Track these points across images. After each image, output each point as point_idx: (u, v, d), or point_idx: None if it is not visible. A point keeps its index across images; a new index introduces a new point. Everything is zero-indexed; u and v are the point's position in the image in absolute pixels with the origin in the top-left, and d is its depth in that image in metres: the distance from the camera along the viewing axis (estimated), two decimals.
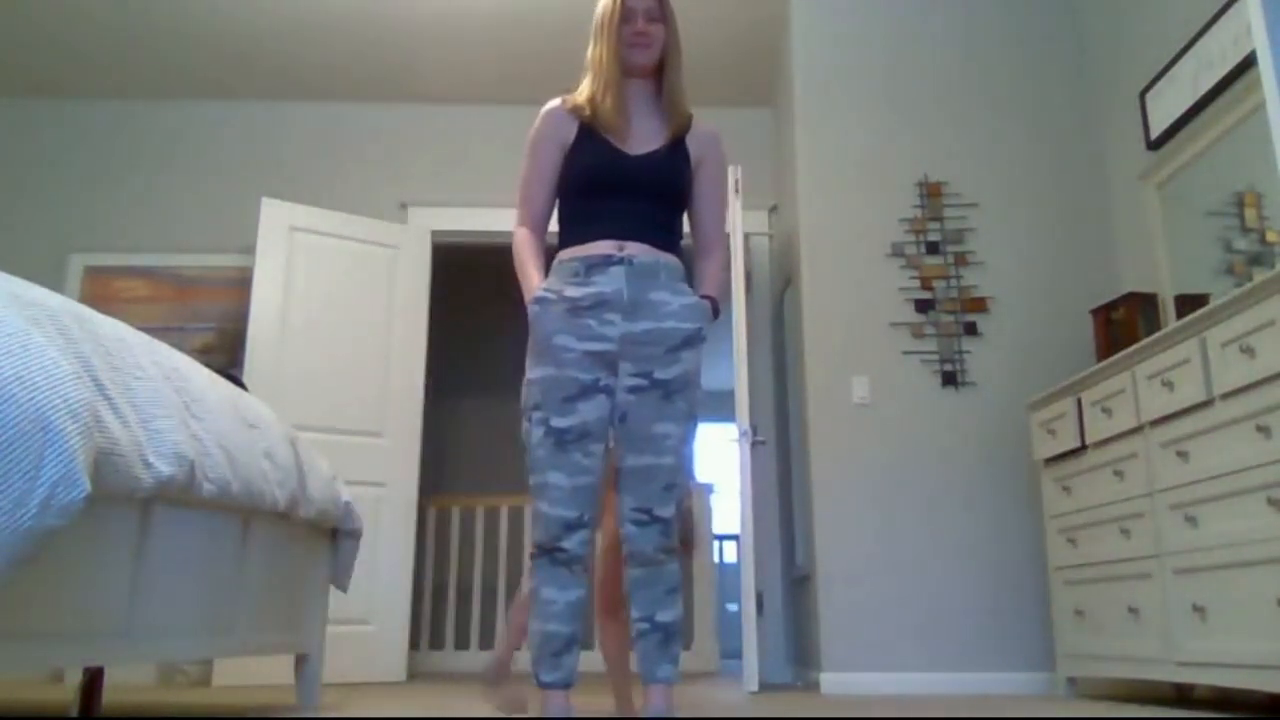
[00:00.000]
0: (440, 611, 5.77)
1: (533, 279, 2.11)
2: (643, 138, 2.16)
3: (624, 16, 2.15)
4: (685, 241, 2.34)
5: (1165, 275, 3.50)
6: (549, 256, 2.16)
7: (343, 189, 4.99)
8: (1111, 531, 2.97)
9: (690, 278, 2.50)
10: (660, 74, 2.21)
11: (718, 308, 2.18)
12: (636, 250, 2.08)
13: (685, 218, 2.26)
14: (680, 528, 2.25)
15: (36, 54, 4.73)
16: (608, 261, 2.07)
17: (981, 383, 3.81)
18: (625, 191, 2.11)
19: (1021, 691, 3.44)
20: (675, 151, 2.18)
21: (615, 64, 2.15)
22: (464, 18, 4.48)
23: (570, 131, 2.17)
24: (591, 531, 2.09)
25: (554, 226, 2.22)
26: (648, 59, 2.18)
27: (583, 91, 2.19)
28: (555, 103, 2.21)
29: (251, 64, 4.82)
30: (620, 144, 2.13)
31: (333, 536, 2.93)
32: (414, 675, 4.92)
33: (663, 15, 2.19)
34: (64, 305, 1.65)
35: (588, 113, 2.16)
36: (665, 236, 2.14)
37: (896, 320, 3.88)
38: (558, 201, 2.20)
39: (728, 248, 2.31)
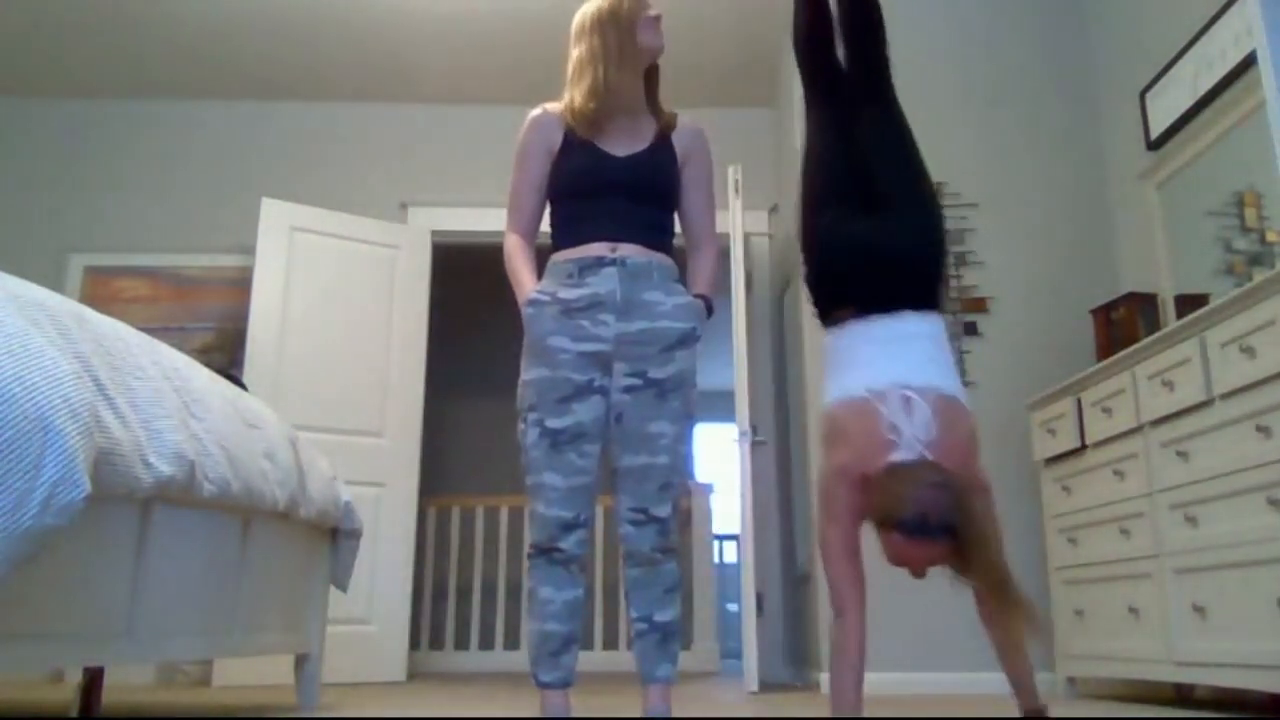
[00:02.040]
0: (440, 611, 5.77)
1: (525, 282, 2.13)
2: (628, 138, 2.18)
3: (643, 4, 2.20)
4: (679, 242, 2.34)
5: (1165, 275, 3.50)
6: (544, 260, 2.19)
7: (343, 189, 4.99)
8: (1111, 531, 2.97)
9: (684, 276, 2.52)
10: (648, 77, 2.26)
11: (711, 306, 2.19)
12: (629, 251, 2.10)
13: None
14: None
15: (36, 54, 4.72)
16: (600, 263, 2.09)
17: (981, 383, 3.80)
18: (614, 193, 2.13)
19: None
20: (661, 150, 2.21)
21: (635, 47, 2.17)
22: (464, 18, 4.48)
23: (556, 137, 2.19)
24: (589, 531, 2.10)
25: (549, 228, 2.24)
26: (661, 44, 2.21)
27: (581, 88, 2.18)
28: (538, 111, 2.24)
29: (252, 64, 4.82)
30: (605, 146, 2.16)
31: (333, 536, 2.93)
32: (414, 675, 4.92)
33: None
34: (64, 305, 1.65)
35: (568, 117, 2.18)
36: (657, 236, 2.16)
37: None
38: (550, 207, 2.23)
39: (718, 244, 2.32)
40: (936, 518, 1.77)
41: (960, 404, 1.94)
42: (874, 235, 2.02)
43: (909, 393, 1.90)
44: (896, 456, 1.86)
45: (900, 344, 1.96)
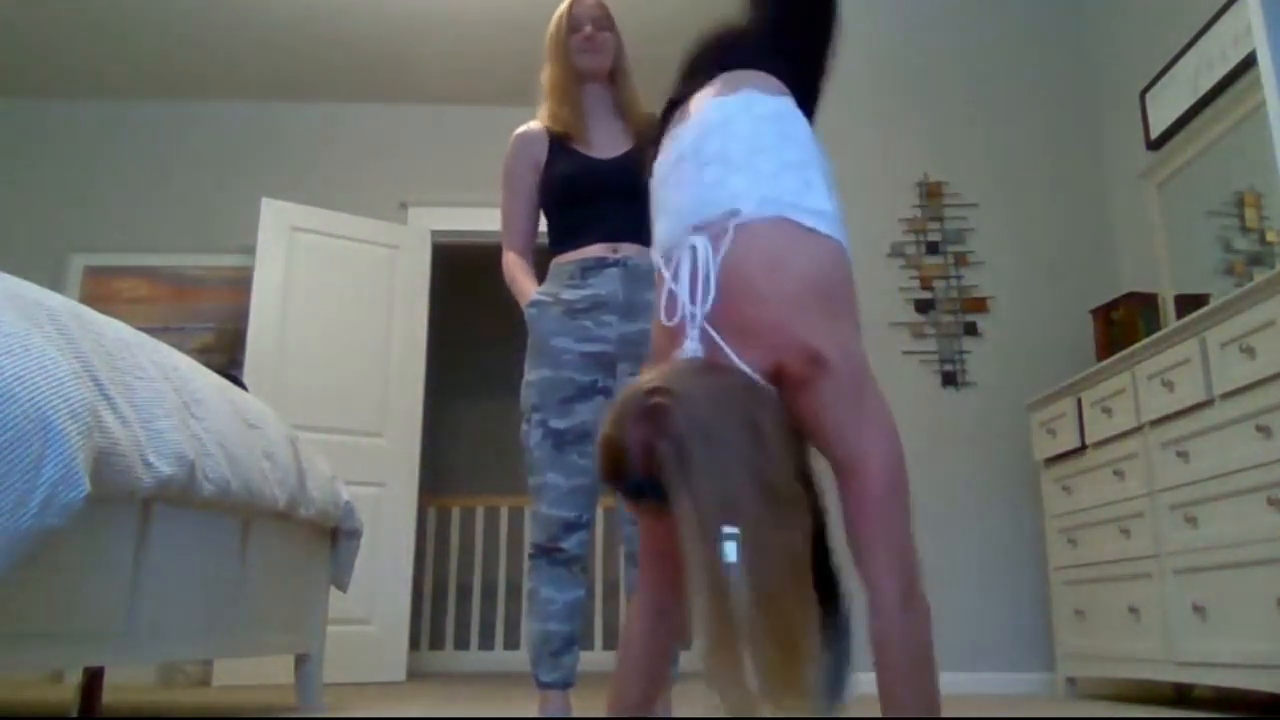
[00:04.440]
0: (440, 611, 5.76)
1: (527, 289, 2.17)
2: (610, 142, 2.21)
3: (571, 26, 2.25)
4: None
5: (1165, 275, 3.50)
6: (541, 264, 2.22)
7: (343, 189, 4.99)
8: (1111, 531, 2.97)
9: None
10: (615, 80, 2.29)
11: None
12: (630, 252, 2.12)
13: None
14: None
15: (36, 55, 4.72)
16: (602, 264, 2.10)
17: (981, 383, 3.80)
18: (605, 195, 2.16)
19: (1021, 691, 3.44)
20: (645, 151, 2.23)
21: (568, 73, 2.24)
22: (464, 18, 4.48)
23: (542, 149, 2.23)
24: (589, 532, 2.10)
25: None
26: (598, 64, 2.25)
27: (542, 112, 2.27)
28: (521, 129, 2.29)
29: (252, 64, 4.82)
30: (589, 151, 2.19)
31: (333, 536, 2.93)
32: (414, 675, 4.91)
33: (610, 23, 2.28)
34: (64, 305, 1.65)
35: (550, 126, 2.23)
36: None
37: (896, 320, 3.87)
38: (547, 218, 2.27)
39: None
40: (632, 468, 1.01)
41: (792, 226, 1.15)
42: None
43: (696, 237, 1.12)
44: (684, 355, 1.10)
45: (691, 157, 1.18)
